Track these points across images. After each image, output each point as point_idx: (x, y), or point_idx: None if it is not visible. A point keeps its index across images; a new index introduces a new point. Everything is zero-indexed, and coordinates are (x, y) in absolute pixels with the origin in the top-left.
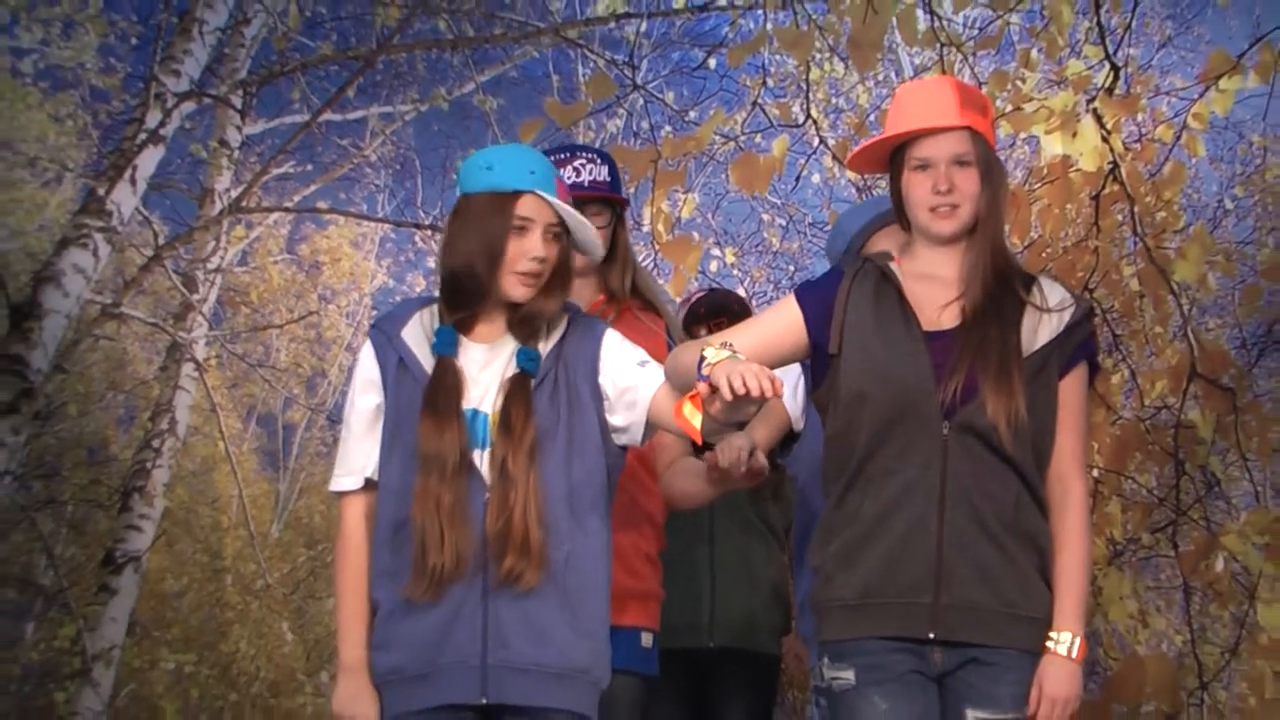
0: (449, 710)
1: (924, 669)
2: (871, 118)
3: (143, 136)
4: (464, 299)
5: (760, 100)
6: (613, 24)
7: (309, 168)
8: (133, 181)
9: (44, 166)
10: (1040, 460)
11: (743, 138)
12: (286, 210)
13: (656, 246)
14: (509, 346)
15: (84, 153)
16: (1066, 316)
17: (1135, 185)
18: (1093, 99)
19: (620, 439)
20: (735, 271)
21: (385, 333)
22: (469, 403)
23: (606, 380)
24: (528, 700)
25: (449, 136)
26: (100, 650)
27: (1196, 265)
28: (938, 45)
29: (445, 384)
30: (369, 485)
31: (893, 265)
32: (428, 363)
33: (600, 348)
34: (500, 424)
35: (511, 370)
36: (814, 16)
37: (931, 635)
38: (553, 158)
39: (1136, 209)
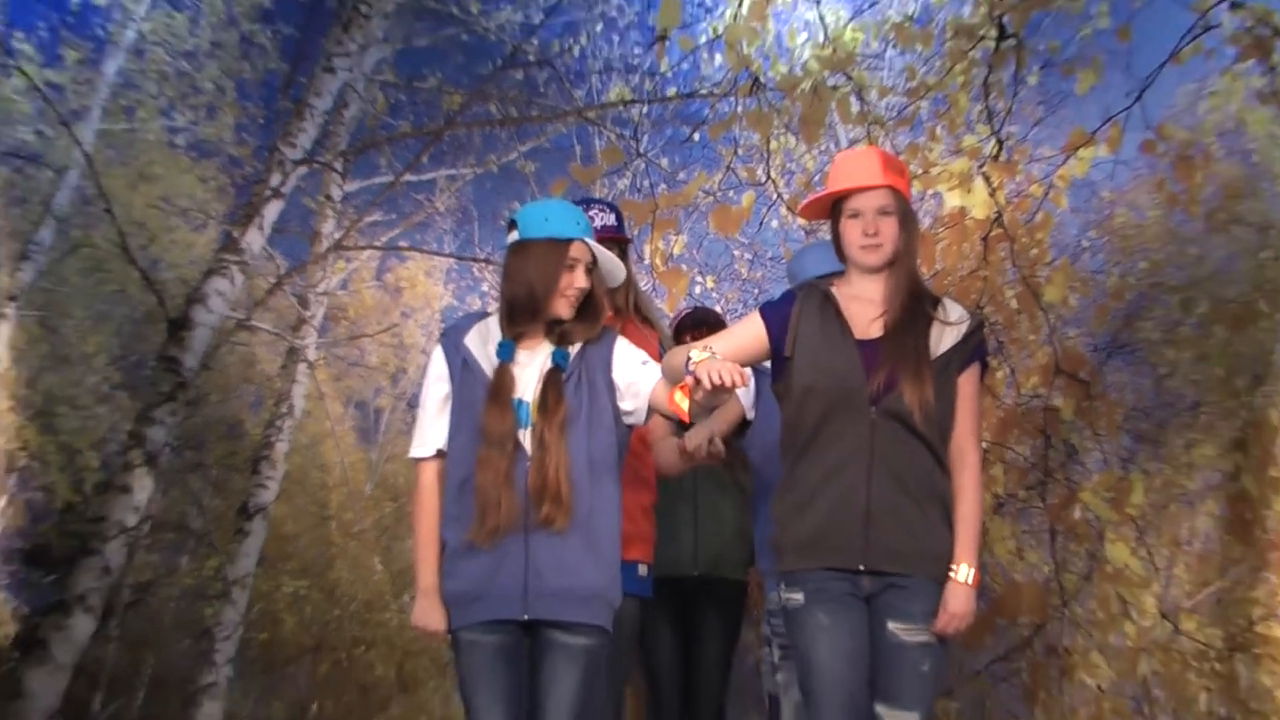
0: (498, 624)
1: (856, 592)
2: (816, 178)
3: (268, 193)
4: (522, 318)
5: (732, 165)
6: (621, 107)
7: (393, 216)
8: (260, 227)
9: (194, 216)
10: (944, 436)
11: (719, 193)
12: (376, 248)
13: (655, 275)
14: (545, 350)
15: (223, 205)
16: (963, 328)
17: (1014, 229)
18: (983, 165)
19: (628, 420)
20: (714, 294)
21: (452, 340)
22: (518, 394)
23: (618, 376)
24: (559, 616)
25: (498, 192)
26: (237, 577)
27: (1060, 289)
28: (866, 124)
29: (504, 383)
30: (439, 454)
31: (833, 289)
32: (487, 363)
33: (613, 352)
34: (539, 406)
35: (547, 366)
36: (773, 103)
37: (861, 567)
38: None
39: (1015, 247)
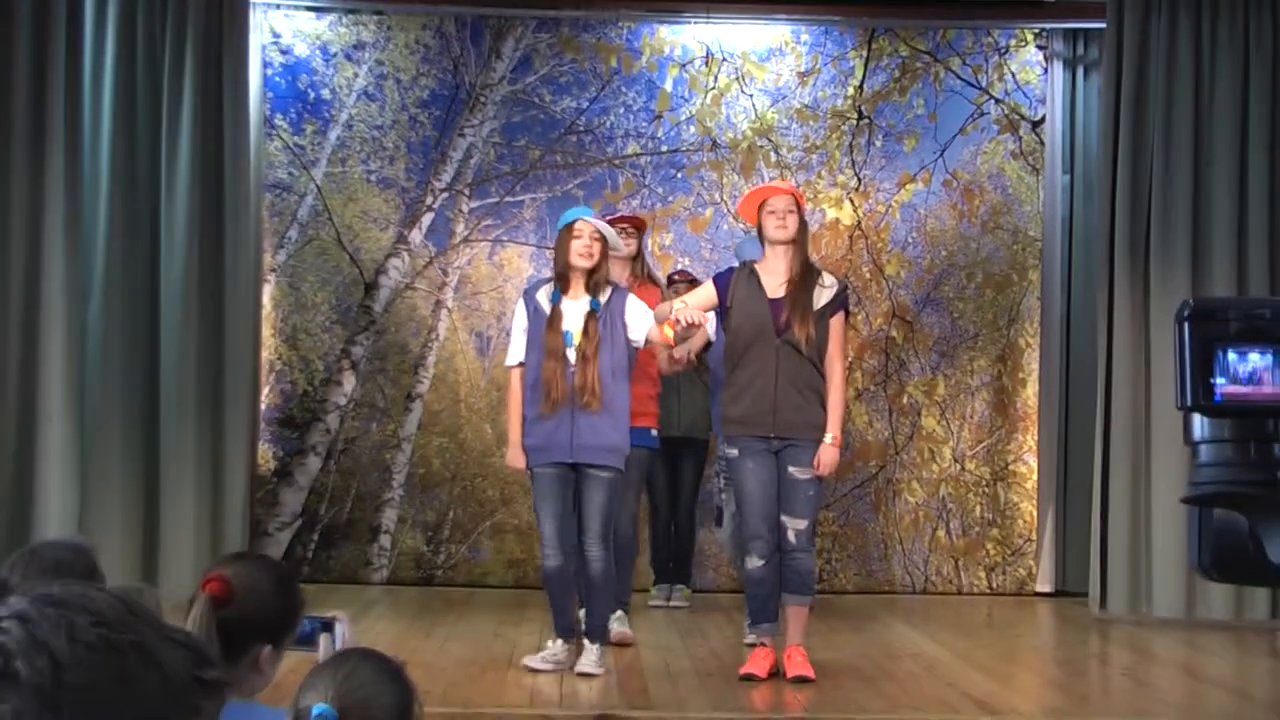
0: (557, 465)
1: (769, 449)
2: None
3: (424, 209)
4: (560, 275)
5: (700, 192)
6: (634, 158)
7: (499, 222)
8: (419, 229)
9: (380, 222)
10: (821, 356)
11: (693, 209)
12: (487, 241)
13: (653, 256)
14: (584, 300)
15: (397, 216)
16: (834, 290)
17: (868, 232)
18: (849, 193)
19: (634, 344)
20: (689, 267)
21: (528, 295)
22: (566, 327)
23: (629, 318)
24: (592, 460)
25: (561, 208)
26: (406, 436)
27: (895, 267)
28: (780, 168)
29: (557, 318)
30: (520, 364)
31: (756, 266)
32: (548, 307)
33: (626, 303)
34: (582, 333)
35: (586, 309)
36: (725, 155)
37: (772, 435)
38: (608, 217)
39: (868, 242)
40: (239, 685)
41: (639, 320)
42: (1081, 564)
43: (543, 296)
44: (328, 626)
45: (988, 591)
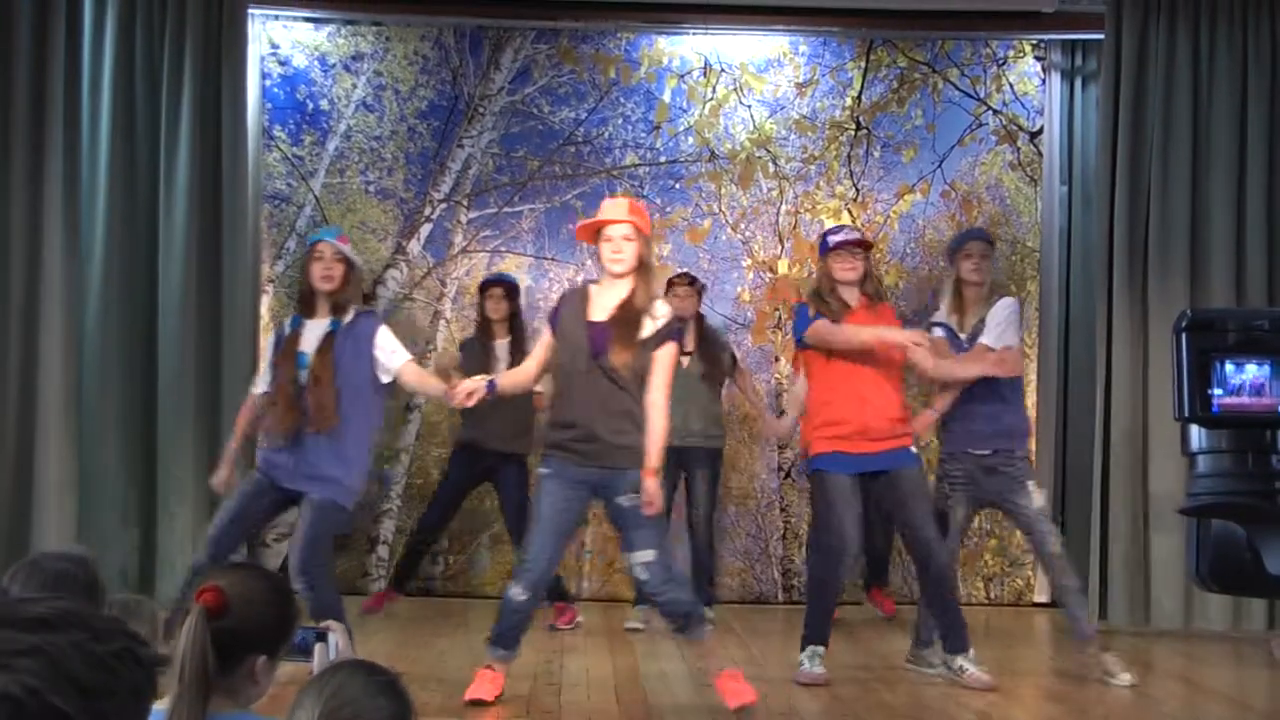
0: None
1: (582, 481)
2: (749, 212)
3: (422, 220)
4: (303, 297)
5: (699, 203)
6: (633, 168)
7: (497, 233)
8: (418, 239)
9: (379, 233)
10: (641, 384)
11: (691, 220)
12: (485, 252)
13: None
14: (326, 321)
15: (396, 226)
16: (662, 322)
17: (867, 240)
18: (847, 204)
19: (383, 376)
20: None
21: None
22: (302, 348)
23: (379, 350)
24: (311, 490)
25: (559, 220)
26: (403, 446)
27: (894, 277)
28: (778, 179)
29: (294, 341)
30: (265, 393)
31: (591, 286)
32: (287, 331)
33: (376, 332)
34: (316, 355)
35: (325, 330)
36: (723, 166)
37: (590, 464)
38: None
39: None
40: (234, 696)
41: (390, 354)
42: (1080, 575)
43: (288, 321)
44: (321, 637)
45: (986, 602)
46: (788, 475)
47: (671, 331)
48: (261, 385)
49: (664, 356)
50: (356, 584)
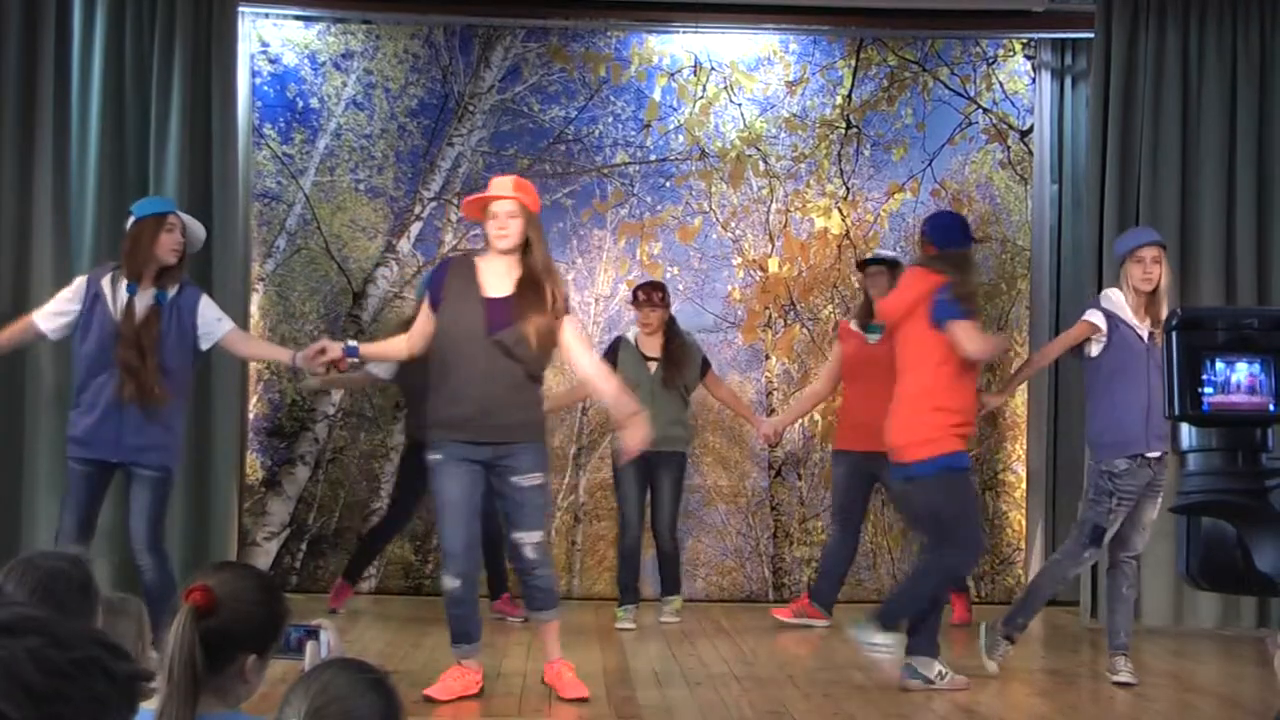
0: (98, 463)
1: (478, 459)
2: (739, 209)
3: (412, 218)
4: (139, 267)
5: (689, 201)
6: (623, 167)
7: None
8: (408, 238)
9: (369, 231)
10: (547, 356)
11: (682, 218)
12: (475, 250)
13: (642, 266)
14: (150, 292)
15: (386, 225)
16: (555, 297)
17: (856, 241)
18: (838, 203)
19: (201, 346)
20: (678, 278)
21: (92, 280)
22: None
23: (202, 321)
24: (140, 460)
25: (550, 217)
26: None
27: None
28: (768, 177)
29: (131, 310)
30: (41, 332)
31: (478, 260)
32: (122, 298)
33: (200, 303)
34: (142, 326)
35: (151, 303)
36: (713, 165)
37: (484, 441)
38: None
39: (856, 251)
40: (224, 695)
41: (211, 324)
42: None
43: (107, 284)
44: (313, 634)
45: (977, 600)
46: (778, 474)
47: (568, 305)
48: (46, 325)
49: (572, 327)
50: None
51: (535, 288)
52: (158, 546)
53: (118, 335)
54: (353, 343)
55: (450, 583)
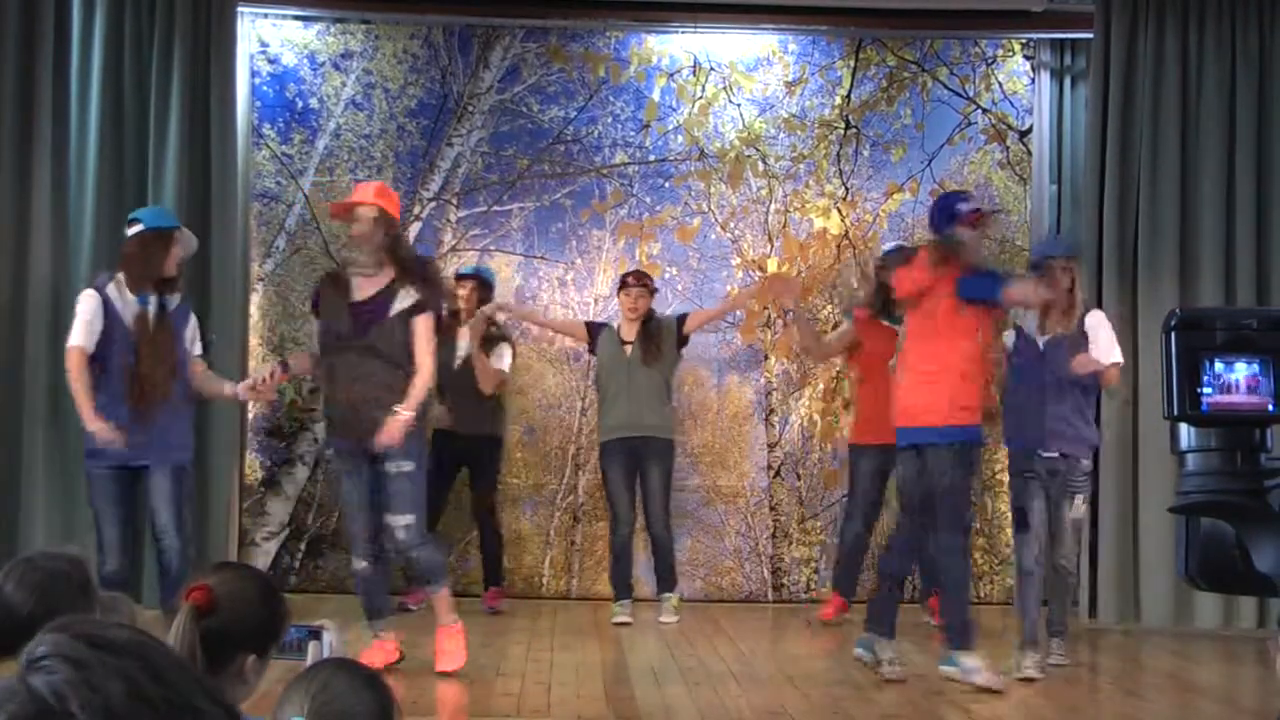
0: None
1: (362, 452)
2: (738, 210)
3: (412, 218)
4: (155, 278)
5: (688, 201)
6: (622, 167)
7: (486, 232)
8: (407, 238)
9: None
10: (407, 355)
11: (680, 218)
12: (475, 250)
13: (641, 265)
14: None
15: None
16: (415, 296)
17: (855, 241)
18: (837, 203)
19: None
20: (676, 279)
21: (99, 288)
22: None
23: (190, 328)
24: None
25: (549, 218)
26: None
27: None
28: (767, 178)
29: (145, 317)
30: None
31: (350, 271)
32: (135, 308)
33: (189, 314)
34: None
35: (156, 309)
36: (712, 165)
37: (360, 436)
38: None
39: (855, 251)
40: (223, 695)
41: (192, 342)
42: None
43: (114, 294)
44: (315, 635)
45: (976, 600)
46: (777, 474)
47: (427, 305)
48: (89, 343)
49: (422, 325)
50: (346, 582)
51: (386, 293)
52: (182, 529)
53: (133, 344)
54: (284, 360)
55: (363, 566)
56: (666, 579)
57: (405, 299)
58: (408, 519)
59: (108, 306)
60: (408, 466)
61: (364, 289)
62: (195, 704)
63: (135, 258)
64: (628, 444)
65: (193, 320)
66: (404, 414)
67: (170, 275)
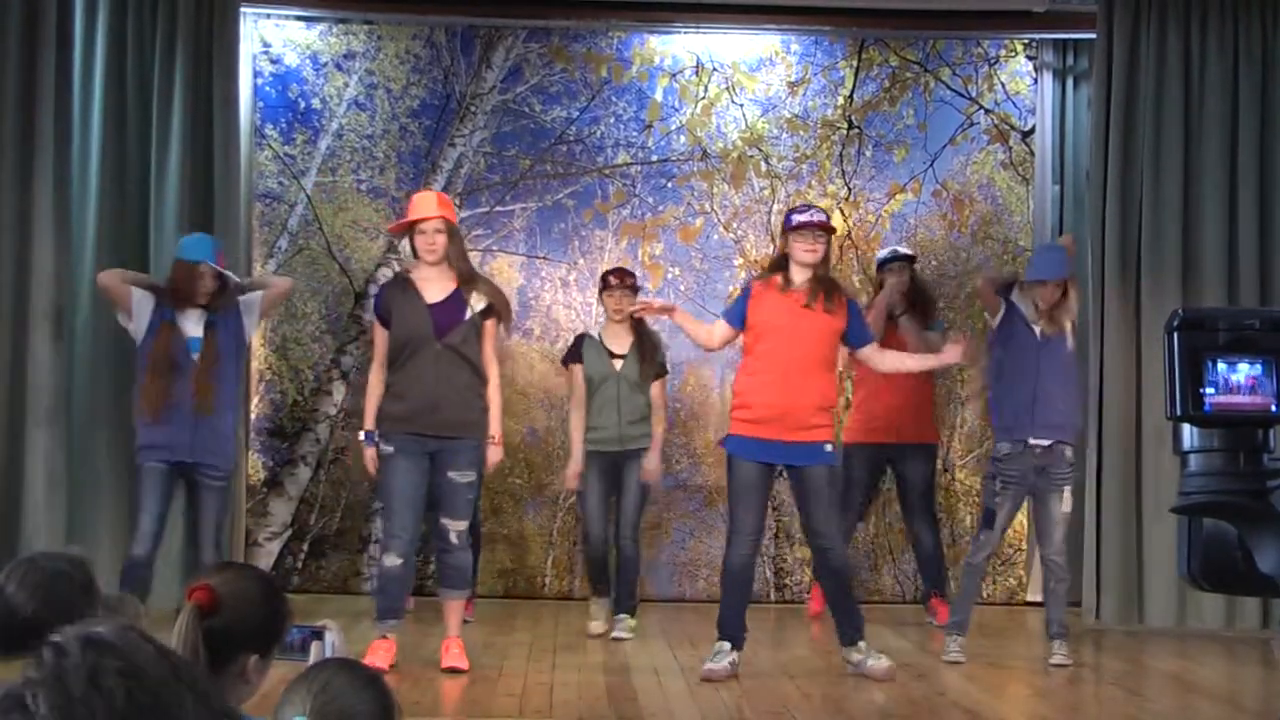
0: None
1: (423, 450)
2: (741, 211)
3: None
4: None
5: (691, 202)
6: (625, 167)
7: (489, 232)
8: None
9: (370, 231)
10: (480, 358)
11: (683, 219)
12: (478, 251)
13: (644, 266)
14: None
15: (388, 224)
16: (482, 305)
17: (858, 241)
18: (839, 203)
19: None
20: (679, 280)
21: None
22: (191, 334)
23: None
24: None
25: (551, 219)
26: None
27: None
28: (770, 178)
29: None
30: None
31: (411, 275)
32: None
33: (239, 308)
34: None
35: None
36: (715, 165)
37: (429, 434)
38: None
39: (858, 252)
40: (226, 695)
41: (249, 313)
42: (1073, 574)
43: (165, 305)
44: (317, 635)
45: (978, 601)
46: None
47: (494, 310)
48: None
49: (490, 329)
50: (349, 583)
51: (460, 296)
52: (220, 545)
53: (187, 354)
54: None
55: (394, 562)
56: (625, 601)
57: (478, 302)
58: (462, 524)
59: (160, 314)
60: (471, 475)
61: (435, 294)
62: (179, 706)
63: (171, 284)
64: (609, 458)
65: (242, 323)
66: (498, 439)
67: (201, 303)
